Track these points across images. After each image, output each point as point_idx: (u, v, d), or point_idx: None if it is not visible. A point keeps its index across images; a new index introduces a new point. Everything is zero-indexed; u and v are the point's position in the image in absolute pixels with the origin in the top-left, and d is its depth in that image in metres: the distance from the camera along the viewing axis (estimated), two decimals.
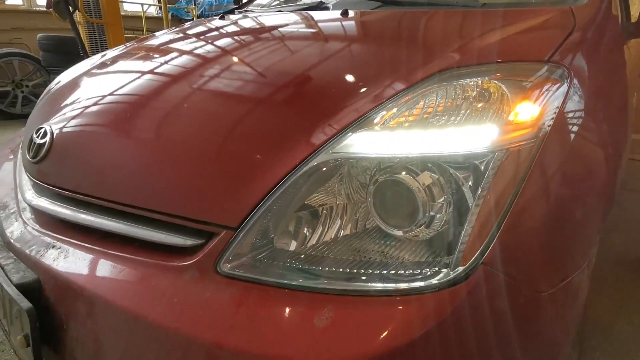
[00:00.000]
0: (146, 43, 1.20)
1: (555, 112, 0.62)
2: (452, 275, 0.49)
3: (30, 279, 0.67)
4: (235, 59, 0.86)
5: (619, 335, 1.38)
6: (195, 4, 6.60)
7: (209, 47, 0.99)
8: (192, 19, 6.62)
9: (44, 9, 4.96)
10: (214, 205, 0.58)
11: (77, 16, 3.63)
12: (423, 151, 0.56)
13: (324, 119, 0.61)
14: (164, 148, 0.66)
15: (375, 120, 0.60)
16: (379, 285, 0.50)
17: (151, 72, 0.90)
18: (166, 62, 0.94)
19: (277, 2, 1.63)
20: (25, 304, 0.61)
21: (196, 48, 1.01)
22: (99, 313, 0.60)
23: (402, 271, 0.52)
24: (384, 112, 0.61)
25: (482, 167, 0.54)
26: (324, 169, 0.58)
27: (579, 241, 0.63)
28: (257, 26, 1.13)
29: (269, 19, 1.18)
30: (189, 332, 0.51)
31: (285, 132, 0.61)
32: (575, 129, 0.66)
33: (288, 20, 1.12)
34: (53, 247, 0.71)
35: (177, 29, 1.36)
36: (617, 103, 0.89)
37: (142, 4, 5.82)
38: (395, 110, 0.61)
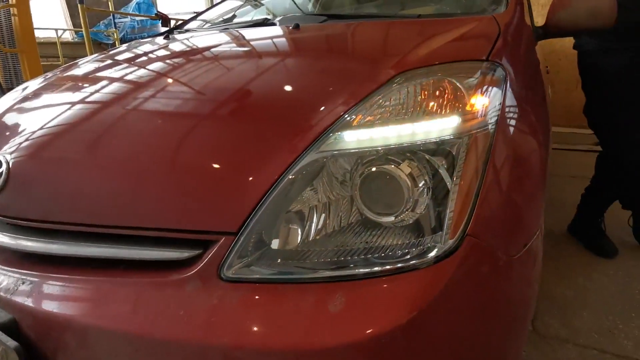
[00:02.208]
0: (92, 64, 1.16)
1: (500, 103, 0.73)
2: (444, 248, 0.55)
3: (5, 319, 0.61)
4: (212, 73, 0.87)
5: (562, 300, 1.56)
6: (115, 27, 6.29)
7: (180, 62, 0.99)
8: (114, 43, 6.30)
9: None
10: (211, 213, 0.59)
11: None
12: (400, 142, 0.62)
13: (308, 123, 0.65)
14: (148, 162, 0.65)
15: (353, 119, 0.65)
16: (383, 267, 0.55)
17: (111, 88, 0.88)
18: (138, 77, 0.92)
19: (217, 21, 1.65)
20: (12, 342, 0.56)
21: (167, 63, 1.00)
22: (93, 342, 0.57)
23: (400, 252, 0.57)
24: (359, 112, 0.67)
25: (454, 152, 0.61)
26: (314, 167, 0.61)
27: (532, 210, 0.73)
28: (218, 43, 1.14)
29: (225, 36, 1.20)
30: (204, 340, 0.51)
31: (273, 138, 0.64)
32: (516, 116, 0.77)
33: (246, 37, 1.15)
34: (23, 283, 0.66)
35: (125, 48, 1.32)
36: (539, 95, 1.04)
37: (56, 30, 5.42)
38: (368, 109, 0.67)
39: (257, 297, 0.54)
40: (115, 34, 6.06)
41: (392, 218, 0.59)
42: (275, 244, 0.60)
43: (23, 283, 0.65)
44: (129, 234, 0.62)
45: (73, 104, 0.88)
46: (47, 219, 0.68)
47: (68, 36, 6.79)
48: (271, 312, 0.52)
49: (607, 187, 1.90)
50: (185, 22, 1.65)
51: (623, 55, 1.63)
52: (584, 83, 1.84)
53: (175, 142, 0.67)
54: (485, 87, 0.73)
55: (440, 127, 0.63)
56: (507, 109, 0.74)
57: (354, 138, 0.63)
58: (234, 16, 1.72)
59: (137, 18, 6.22)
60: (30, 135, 0.80)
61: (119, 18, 6.48)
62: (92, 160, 0.70)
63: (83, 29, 3.59)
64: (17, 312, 0.62)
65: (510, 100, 0.77)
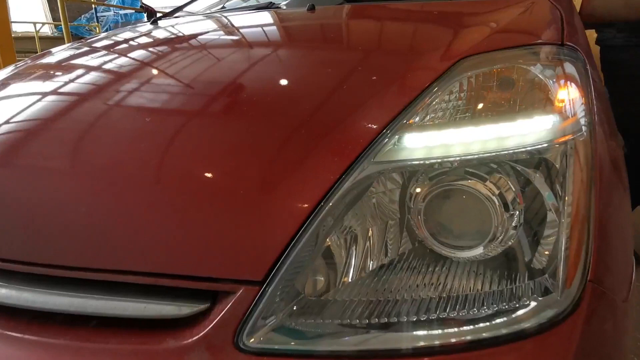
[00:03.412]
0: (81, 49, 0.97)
1: (589, 97, 0.57)
2: (565, 302, 0.39)
3: None
4: (222, 66, 0.69)
5: None
6: (97, 21, 5.97)
7: (181, 50, 0.81)
8: None
9: None
10: (225, 253, 0.41)
11: None
12: (483, 150, 0.45)
13: (354, 127, 0.47)
14: (134, 179, 0.47)
15: (413, 121, 0.48)
16: (488, 334, 0.38)
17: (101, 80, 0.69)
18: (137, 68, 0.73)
19: (217, 7, 1.46)
20: None
21: (169, 51, 0.82)
22: None
23: (487, 309, 0.40)
24: (419, 111, 0.50)
25: (558, 164, 0.45)
26: (365, 185, 0.44)
27: (631, 238, 0.58)
28: (224, 29, 0.96)
29: (230, 22, 1.02)
30: None
31: (312, 147, 0.46)
32: (603, 115, 0.61)
33: (257, 22, 0.97)
34: None
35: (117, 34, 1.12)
36: (604, 89, 0.88)
37: (34, 23, 5.11)
38: (429, 106, 0.50)
39: None
40: (97, 29, 5.75)
41: (480, 249, 0.43)
42: (315, 295, 0.42)
43: None
44: (104, 279, 0.44)
45: (35, 102, 0.69)
46: None
47: (47, 30, 6.46)
48: None
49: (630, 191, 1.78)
50: (179, 8, 1.46)
51: None
52: (608, 79, 1.72)
53: (176, 149, 0.48)
54: (569, 78, 0.57)
55: (533, 129, 0.47)
56: (596, 107, 0.58)
57: (419, 145, 0.46)
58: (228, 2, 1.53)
59: (121, 11, 5.92)
60: None
61: (102, 12, 6.17)
62: (54, 175, 0.51)
63: (62, 21, 3.33)
64: None
65: (595, 95, 0.61)
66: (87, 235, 0.45)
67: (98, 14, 6.05)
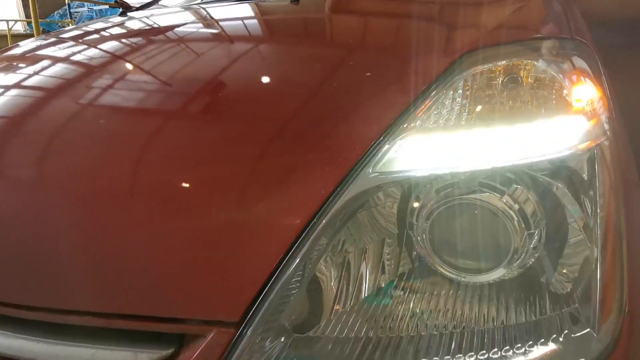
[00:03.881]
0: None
1: (606, 93, 0.52)
2: (601, 341, 0.33)
3: None
4: (194, 65, 0.62)
5: None
6: (71, 18, 5.74)
7: (153, 44, 0.73)
8: None
9: None
10: (195, 289, 0.33)
11: None
12: (500, 158, 0.39)
13: (346, 133, 0.40)
14: (87, 202, 0.38)
15: (415, 124, 0.42)
16: None
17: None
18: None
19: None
20: None
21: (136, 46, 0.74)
22: None
23: (508, 347, 0.34)
24: (421, 113, 0.43)
25: (585, 173, 0.39)
26: (361, 201, 0.38)
27: None
28: (200, 23, 0.88)
29: (206, 15, 0.94)
30: None
31: (296, 158, 0.39)
32: (618, 116, 0.56)
33: (235, 15, 0.90)
34: None
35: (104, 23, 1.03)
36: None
37: (7, 21, 4.90)
38: (433, 107, 0.44)
39: None
40: (70, 25, 5.55)
41: (501, 271, 0.37)
42: (304, 330, 0.36)
43: None
44: (44, 319, 0.36)
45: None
46: None
47: (20, 28, 6.21)
48: None
49: None
50: (154, 1, 1.36)
51: None
52: None
53: (133, 157, 0.40)
54: (584, 74, 0.51)
55: (555, 133, 0.41)
56: (612, 106, 0.53)
57: (424, 153, 0.39)
58: None
59: (96, 7, 5.71)
60: None
61: (75, 7, 5.94)
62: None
63: (32, 17, 3.16)
64: None
65: (610, 93, 0.56)
66: (24, 266, 0.37)
67: (72, 10, 5.81)
